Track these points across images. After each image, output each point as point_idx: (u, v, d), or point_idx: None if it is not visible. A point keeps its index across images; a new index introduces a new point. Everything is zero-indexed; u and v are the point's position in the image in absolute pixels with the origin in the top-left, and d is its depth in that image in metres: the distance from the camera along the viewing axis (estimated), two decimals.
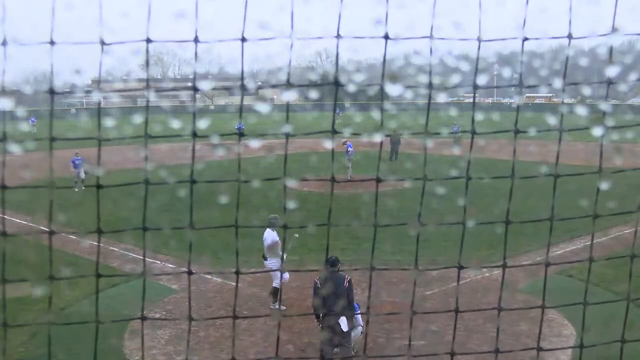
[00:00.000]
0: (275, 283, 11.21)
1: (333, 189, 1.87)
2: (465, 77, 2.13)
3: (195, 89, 1.80)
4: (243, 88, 1.78)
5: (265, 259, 11.08)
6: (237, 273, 2.03)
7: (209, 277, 12.69)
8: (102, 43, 1.69)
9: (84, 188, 21.81)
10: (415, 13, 1.81)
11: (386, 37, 1.73)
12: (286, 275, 10.38)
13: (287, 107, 1.88)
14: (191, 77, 1.94)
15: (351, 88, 1.85)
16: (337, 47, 1.71)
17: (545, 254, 13.60)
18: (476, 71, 1.88)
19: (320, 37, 1.78)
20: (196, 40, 1.73)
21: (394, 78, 1.92)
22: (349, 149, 25.44)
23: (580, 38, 1.82)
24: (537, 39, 1.82)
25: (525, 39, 1.81)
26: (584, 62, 1.99)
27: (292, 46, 1.72)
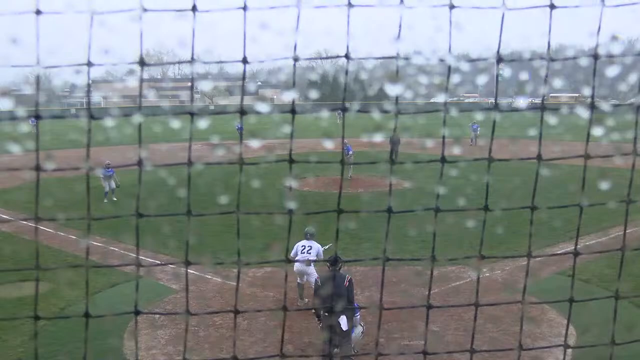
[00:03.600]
0: (301, 280, 11.70)
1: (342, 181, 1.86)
2: (465, 77, 2.13)
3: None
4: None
5: (309, 265, 11.42)
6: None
7: (209, 277, 12.70)
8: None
9: (114, 199, 21.16)
10: (415, 13, 1.81)
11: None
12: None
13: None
14: (191, 77, 1.94)
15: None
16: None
17: (545, 254, 13.61)
18: (499, 48, 1.88)
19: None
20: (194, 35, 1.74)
21: (394, 78, 1.92)
22: (349, 151, 25.33)
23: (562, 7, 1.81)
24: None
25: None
26: (584, 62, 1.99)
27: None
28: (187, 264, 1.92)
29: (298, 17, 1.69)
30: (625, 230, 2.01)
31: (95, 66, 1.70)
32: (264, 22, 1.79)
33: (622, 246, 1.94)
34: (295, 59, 1.74)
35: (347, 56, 1.79)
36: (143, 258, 14.22)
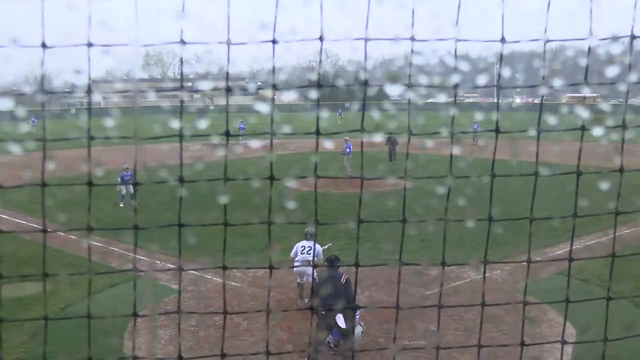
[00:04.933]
0: (301, 280, 11.76)
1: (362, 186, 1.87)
2: (465, 77, 2.13)
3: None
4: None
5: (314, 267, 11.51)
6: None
7: (209, 277, 12.70)
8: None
9: (135, 204, 20.42)
10: (414, 13, 1.81)
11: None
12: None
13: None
14: (191, 77, 1.94)
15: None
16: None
17: (545, 254, 13.59)
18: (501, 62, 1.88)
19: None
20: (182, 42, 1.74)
21: (394, 78, 1.93)
22: (348, 149, 25.08)
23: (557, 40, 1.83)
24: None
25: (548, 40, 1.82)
26: (584, 62, 2.00)
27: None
28: (224, 268, 1.95)
29: (321, 49, 1.71)
30: (614, 233, 2.02)
31: (98, 66, 1.71)
32: (264, 23, 1.79)
33: (612, 252, 1.94)
34: (320, 85, 1.77)
35: (365, 83, 1.84)
36: (143, 259, 14.22)
